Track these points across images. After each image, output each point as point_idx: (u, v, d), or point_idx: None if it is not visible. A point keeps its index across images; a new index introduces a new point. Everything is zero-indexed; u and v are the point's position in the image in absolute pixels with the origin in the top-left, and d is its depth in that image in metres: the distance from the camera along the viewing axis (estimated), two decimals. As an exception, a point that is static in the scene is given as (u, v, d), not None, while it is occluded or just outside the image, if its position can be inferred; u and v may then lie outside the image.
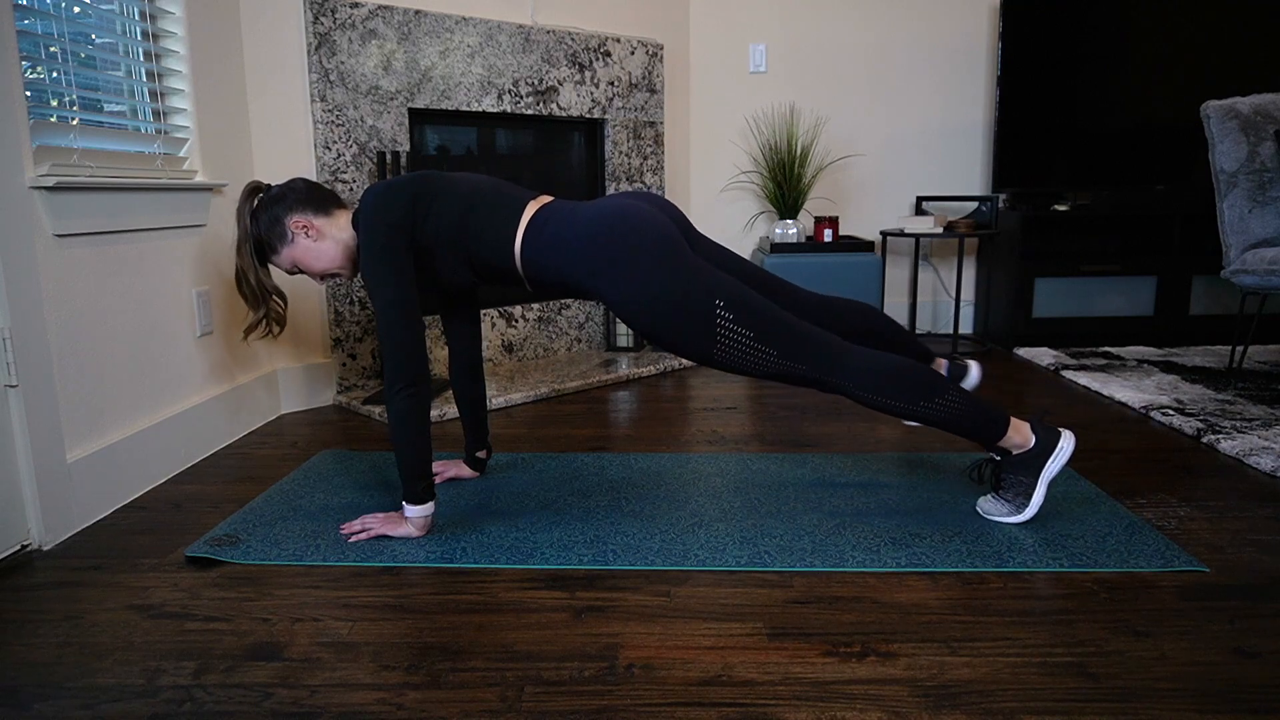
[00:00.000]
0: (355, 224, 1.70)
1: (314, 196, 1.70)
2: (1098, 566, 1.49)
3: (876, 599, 1.40)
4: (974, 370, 1.89)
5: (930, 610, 1.36)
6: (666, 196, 3.69)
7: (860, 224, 3.96)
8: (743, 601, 1.39)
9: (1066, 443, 1.66)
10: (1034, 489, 1.66)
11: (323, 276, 1.75)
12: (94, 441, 1.79)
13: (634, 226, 1.54)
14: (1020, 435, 1.65)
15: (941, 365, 1.89)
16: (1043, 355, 3.36)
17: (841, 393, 1.59)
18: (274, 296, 1.73)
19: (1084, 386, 2.88)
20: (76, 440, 1.74)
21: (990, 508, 1.72)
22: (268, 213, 1.68)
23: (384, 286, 1.56)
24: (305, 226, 1.68)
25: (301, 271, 1.74)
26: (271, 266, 1.76)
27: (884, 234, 3.67)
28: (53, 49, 1.76)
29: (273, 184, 1.75)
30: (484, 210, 1.63)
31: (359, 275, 1.80)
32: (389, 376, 1.56)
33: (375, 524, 1.64)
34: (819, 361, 1.56)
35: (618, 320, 3.38)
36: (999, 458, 1.69)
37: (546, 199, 1.67)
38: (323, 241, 1.70)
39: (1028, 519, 1.68)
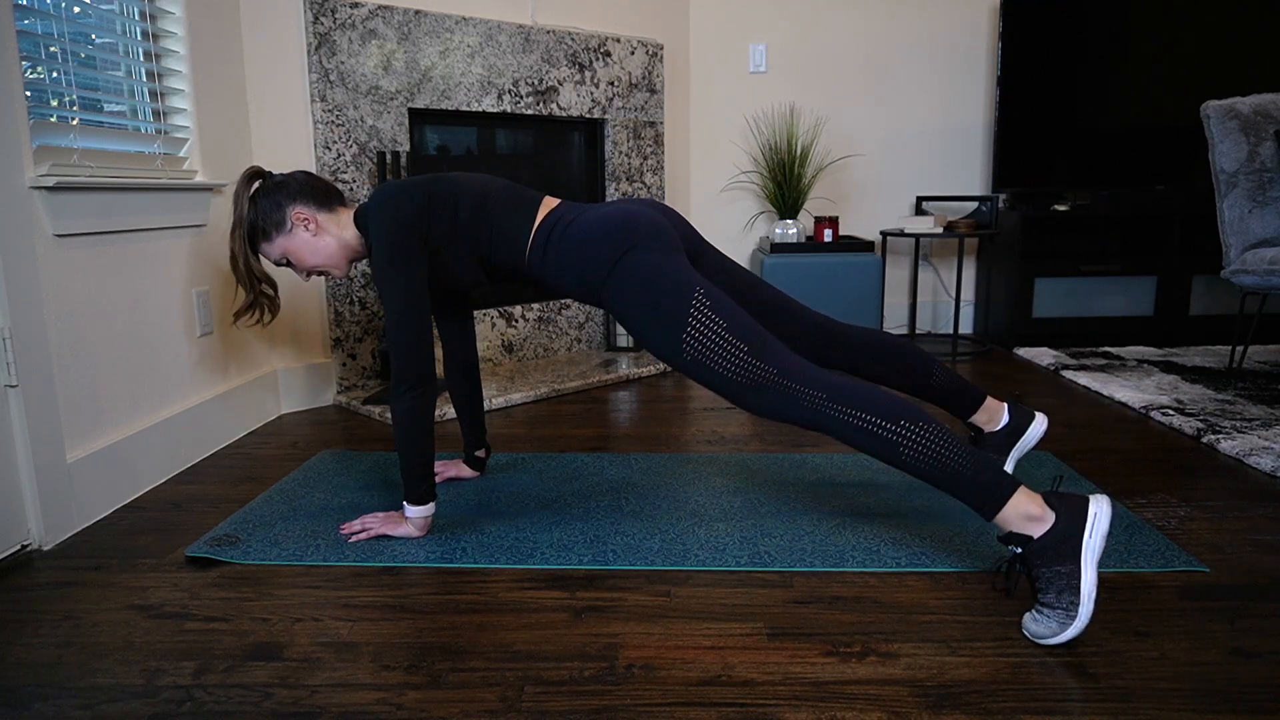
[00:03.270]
0: (358, 223, 1.70)
1: (317, 190, 1.70)
2: (1098, 566, 1.48)
3: (876, 599, 1.40)
4: (1038, 423, 1.71)
5: (930, 610, 1.36)
6: (666, 196, 3.70)
7: (860, 224, 3.96)
8: (743, 601, 1.39)
9: (1100, 507, 1.26)
10: (1079, 576, 1.23)
11: (310, 272, 1.74)
12: (94, 441, 1.79)
13: (632, 229, 1.54)
14: (1035, 505, 1.29)
15: (1002, 408, 1.80)
16: (1043, 355, 3.36)
17: (809, 405, 1.41)
18: (263, 284, 1.73)
19: (1084, 386, 2.88)
20: (76, 440, 1.74)
21: (1037, 629, 1.25)
22: (268, 199, 1.67)
23: (396, 287, 1.55)
24: (307, 220, 1.67)
25: (289, 264, 1.73)
26: (261, 255, 1.75)
27: (884, 234, 3.67)
28: (53, 49, 1.76)
29: (274, 171, 1.74)
30: (498, 209, 1.63)
31: (349, 274, 1.79)
32: (395, 376, 1.56)
33: (375, 524, 1.64)
34: (787, 366, 1.43)
35: (618, 320, 3.38)
36: (1019, 549, 1.29)
37: (556, 201, 1.68)
38: (322, 237, 1.69)
39: (1088, 621, 1.22)
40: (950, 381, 1.79)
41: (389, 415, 2.25)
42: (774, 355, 1.44)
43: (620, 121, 3.33)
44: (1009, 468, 1.79)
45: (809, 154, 3.62)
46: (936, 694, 1.13)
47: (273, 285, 1.75)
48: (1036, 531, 1.27)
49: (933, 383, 1.79)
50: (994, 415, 1.80)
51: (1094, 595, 1.22)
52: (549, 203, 1.66)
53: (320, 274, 1.75)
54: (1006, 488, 1.30)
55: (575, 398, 2.79)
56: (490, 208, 1.63)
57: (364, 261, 2.64)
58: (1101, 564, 1.49)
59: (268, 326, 1.77)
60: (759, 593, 1.42)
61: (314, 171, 2.57)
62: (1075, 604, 1.22)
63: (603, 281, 1.54)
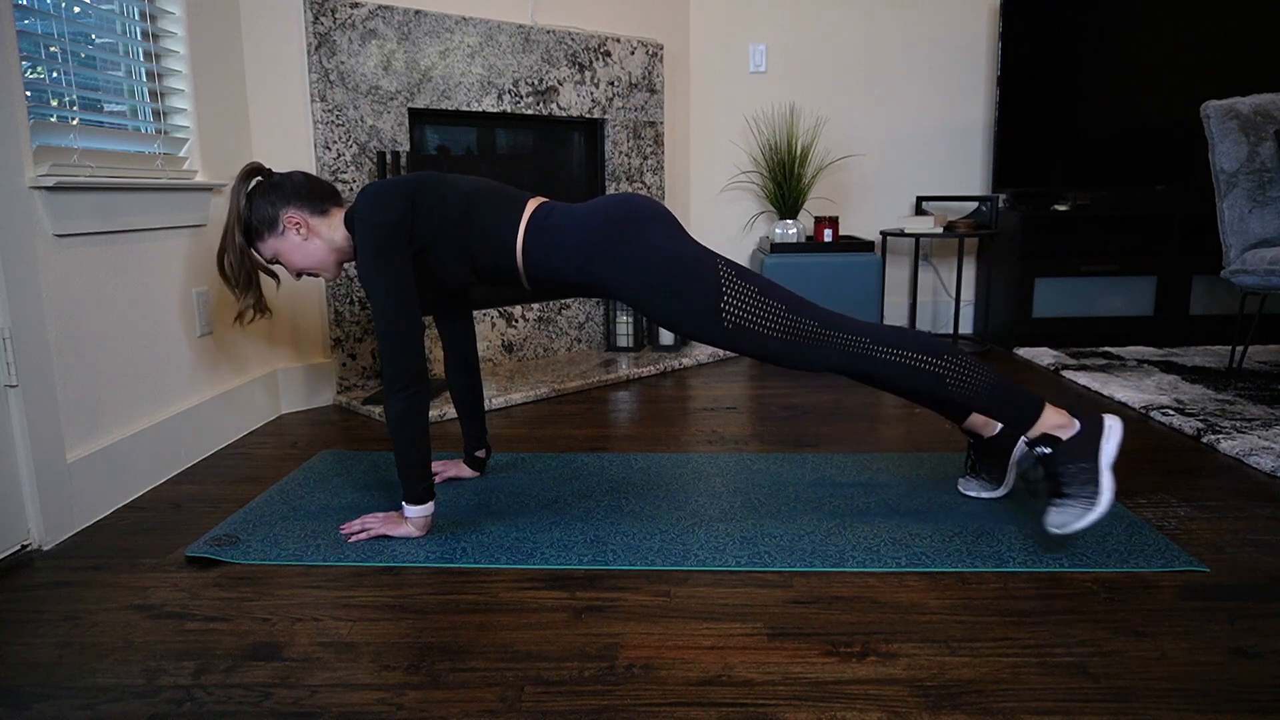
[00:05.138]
0: (349, 223, 1.70)
1: (312, 192, 1.70)
2: (1098, 566, 1.48)
3: (876, 599, 1.40)
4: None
5: (930, 610, 1.36)
6: (666, 196, 3.69)
7: (860, 224, 3.96)
8: (743, 601, 1.39)
9: (1114, 422, 1.51)
10: (1099, 473, 1.47)
11: (299, 272, 1.75)
12: (94, 441, 1.79)
13: (636, 210, 1.57)
14: (1062, 416, 1.53)
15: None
16: (1043, 355, 3.36)
17: (855, 351, 1.50)
18: (261, 275, 1.72)
19: (1084, 386, 2.88)
20: (76, 440, 1.74)
21: (1061, 518, 1.47)
22: (263, 199, 1.67)
23: (381, 287, 1.56)
24: (299, 224, 1.67)
25: (279, 263, 1.74)
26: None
27: (884, 234, 3.67)
28: (53, 49, 1.76)
29: (273, 170, 1.75)
30: (484, 208, 1.63)
31: (340, 276, 1.80)
32: (387, 377, 1.56)
33: (375, 524, 1.64)
34: (826, 318, 1.51)
35: (618, 320, 3.38)
36: (1048, 450, 1.51)
37: (543, 198, 1.68)
38: (312, 241, 1.70)
39: (1106, 510, 1.45)
40: None
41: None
42: (810, 309, 1.53)
43: (620, 121, 3.33)
44: (1009, 476, 1.78)
45: (809, 154, 3.62)
46: (936, 694, 1.13)
47: (272, 275, 1.77)
48: (1065, 434, 1.51)
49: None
50: (990, 420, 1.79)
51: (1112, 488, 1.45)
52: (537, 200, 1.67)
53: (310, 275, 1.76)
54: (1039, 402, 1.52)
55: (575, 398, 2.79)
56: (477, 205, 1.63)
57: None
58: (1101, 564, 1.49)
59: (269, 322, 1.76)
60: (759, 593, 1.42)
61: (314, 171, 2.58)
62: (1096, 494, 1.45)
63: (612, 270, 1.55)
